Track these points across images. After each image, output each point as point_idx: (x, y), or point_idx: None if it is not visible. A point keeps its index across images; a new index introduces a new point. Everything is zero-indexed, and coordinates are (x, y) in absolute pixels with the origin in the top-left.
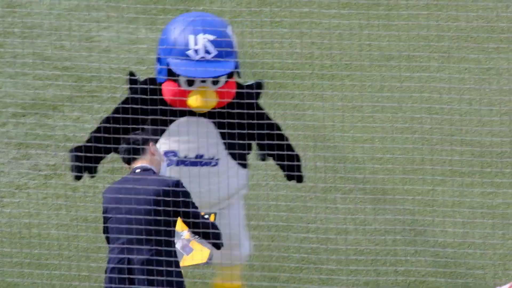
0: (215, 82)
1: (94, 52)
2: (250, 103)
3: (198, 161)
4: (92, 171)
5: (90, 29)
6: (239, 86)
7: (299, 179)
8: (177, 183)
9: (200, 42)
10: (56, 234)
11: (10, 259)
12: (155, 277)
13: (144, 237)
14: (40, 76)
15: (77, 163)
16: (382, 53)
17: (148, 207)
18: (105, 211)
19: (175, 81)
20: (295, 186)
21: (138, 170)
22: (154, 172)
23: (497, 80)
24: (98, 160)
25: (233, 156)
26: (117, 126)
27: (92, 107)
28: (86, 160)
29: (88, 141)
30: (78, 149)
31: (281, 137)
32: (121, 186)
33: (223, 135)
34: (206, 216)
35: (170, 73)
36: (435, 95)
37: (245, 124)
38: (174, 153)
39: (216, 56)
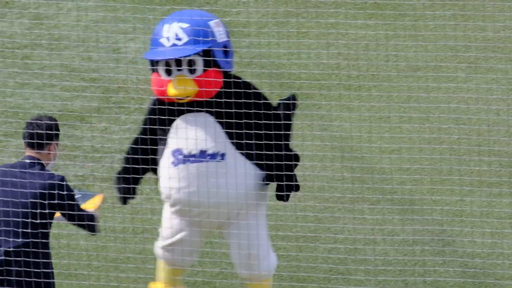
0: (192, 71)
1: (121, 63)
2: (249, 93)
3: (202, 157)
4: (135, 192)
5: (117, 41)
6: (226, 76)
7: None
8: (62, 178)
9: (172, 30)
10: (85, 245)
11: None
12: (20, 268)
13: (12, 229)
14: (67, 87)
15: (123, 188)
16: (409, 64)
17: (25, 200)
18: None
19: (157, 72)
20: (323, 197)
21: (27, 161)
22: (42, 167)
23: None
24: (137, 180)
25: (240, 150)
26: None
27: (119, 118)
28: (129, 182)
29: (127, 160)
30: (122, 172)
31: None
32: (7, 170)
33: (224, 127)
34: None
35: (152, 65)
36: (463, 106)
37: (243, 114)
38: (180, 152)
39: (187, 43)
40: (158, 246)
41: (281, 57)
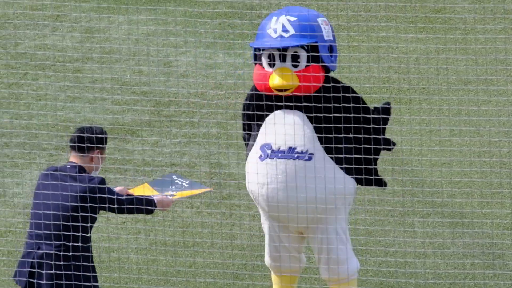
0: (295, 65)
1: (172, 77)
2: (347, 96)
3: (291, 154)
4: None
5: (168, 54)
6: (327, 76)
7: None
8: (102, 181)
9: (280, 22)
10: (135, 258)
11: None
12: (60, 272)
13: (53, 232)
14: (118, 101)
15: None
16: (459, 77)
17: (66, 204)
18: (34, 195)
19: (261, 64)
20: (373, 210)
21: (69, 166)
22: (83, 170)
23: None
24: None
25: (330, 153)
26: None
27: (170, 131)
28: None
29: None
30: None
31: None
32: (50, 173)
33: (317, 129)
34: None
35: (256, 58)
36: None
37: (341, 116)
38: (269, 146)
39: (294, 35)
40: (266, 256)
41: None
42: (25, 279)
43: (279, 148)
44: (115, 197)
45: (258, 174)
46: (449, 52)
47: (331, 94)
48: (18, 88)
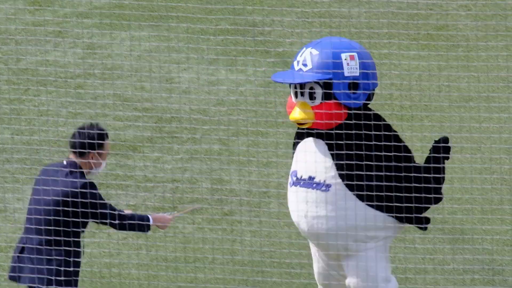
0: (312, 99)
1: (174, 93)
2: (378, 126)
3: (310, 183)
4: None
5: (170, 70)
6: (348, 110)
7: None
8: (84, 185)
9: (304, 55)
10: (137, 274)
11: None
12: (41, 266)
13: (35, 226)
14: (120, 117)
15: None
16: (461, 94)
17: (53, 202)
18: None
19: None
20: None
21: (64, 163)
22: (80, 171)
23: None
24: None
25: (350, 187)
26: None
27: (172, 148)
28: None
29: None
30: None
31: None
32: (48, 169)
33: (336, 159)
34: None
35: (290, 87)
36: None
37: (363, 150)
38: (295, 173)
39: (310, 70)
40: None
41: None
42: (12, 274)
43: (301, 176)
44: (97, 201)
45: (288, 200)
46: (451, 69)
47: (353, 131)
48: (20, 104)
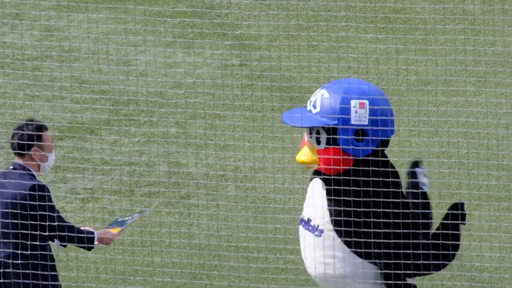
0: (318, 142)
1: (131, 75)
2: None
3: (308, 225)
4: None
5: (128, 53)
6: (355, 157)
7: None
8: (33, 187)
9: (316, 96)
10: (93, 257)
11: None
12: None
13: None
14: (77, 99)
15: None
16: (419, 78)
17: (6, 207)
18: None
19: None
20: None
21: (11, 167)
22: (29, 173)
23: None
24: None
25: (340, 234)
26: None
27: (129, 130)
28: None
29: None
30: None
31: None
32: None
33: (331, 205)
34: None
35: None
36: (472, 120)
37: (360, 198)
38: (302, 213)
39: (318, 113)
40: None
41: (291, 70)
42: None
43: (304, 216)
44: (46, 203)
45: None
46: (408, 53)
47: (351, 178)
48: None
